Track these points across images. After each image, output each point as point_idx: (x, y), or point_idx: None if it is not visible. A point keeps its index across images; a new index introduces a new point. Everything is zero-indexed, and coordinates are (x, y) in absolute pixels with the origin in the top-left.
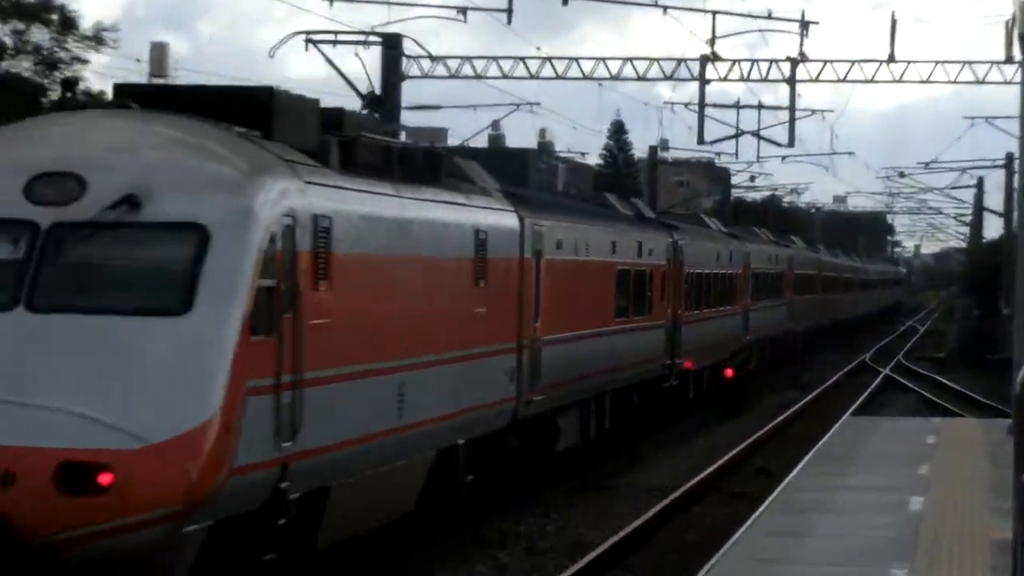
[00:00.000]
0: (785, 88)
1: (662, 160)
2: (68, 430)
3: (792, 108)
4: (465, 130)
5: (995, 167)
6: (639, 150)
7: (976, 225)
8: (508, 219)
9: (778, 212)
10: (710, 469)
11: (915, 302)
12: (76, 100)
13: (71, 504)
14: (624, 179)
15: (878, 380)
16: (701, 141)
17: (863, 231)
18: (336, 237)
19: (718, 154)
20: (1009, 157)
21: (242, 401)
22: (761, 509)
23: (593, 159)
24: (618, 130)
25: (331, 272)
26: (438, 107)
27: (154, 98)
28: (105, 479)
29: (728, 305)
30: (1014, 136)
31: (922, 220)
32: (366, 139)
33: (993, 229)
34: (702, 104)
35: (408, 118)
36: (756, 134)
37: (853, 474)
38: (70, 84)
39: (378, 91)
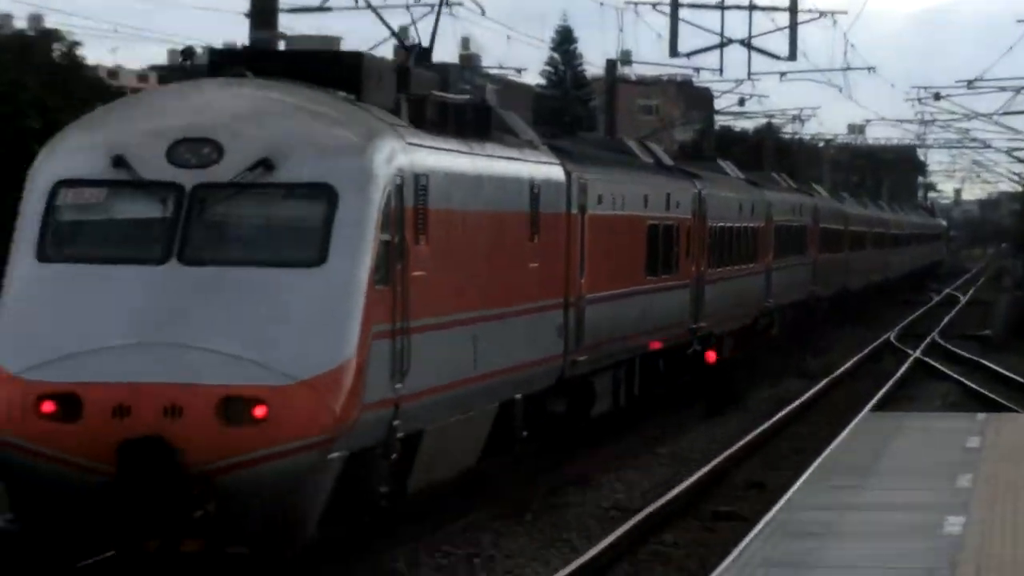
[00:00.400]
0: None
1: (623, 78)
2: (227, 369)
3: (793, 9)
4: (364, 39)
5: None
6: (593, 65)
7: None
8: (556, 172)
9: (776, 146)
10: (687, 482)
11: (954, 263)
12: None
13: (230, 434)
14: (574, 103)
15: (906, 365)
16: (674, 53)
17: (887, 171)
18: (431, 194)
19: (697, 70)
20: None
21: (370, 344)
22: (752, 534)
23: (533, 77)
24: (565, 39)
25: (428, 227)
26: (327, 8)
27: (251, 62)
28: (260, 412)
29: (751, 263)
30: None
31: (963, 156)
32: (434, 97)
33: None
34: (675, 4)
35: (289, 23)
36: (747, 44)
37: (872, 488)
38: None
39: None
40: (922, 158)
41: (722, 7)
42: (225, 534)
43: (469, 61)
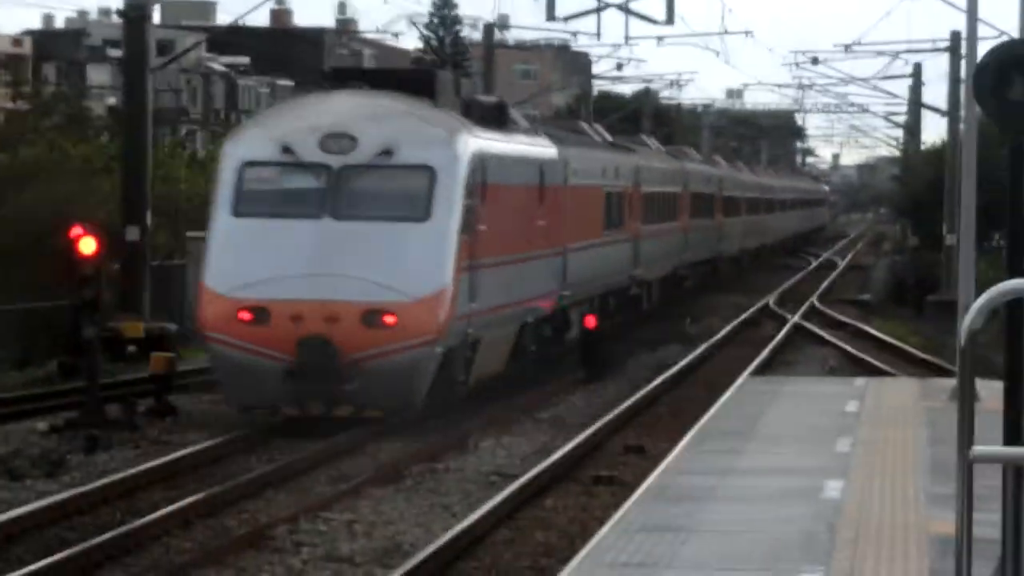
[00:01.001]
0: None
1: (501, 43)
2: (366, 290)
3: None
4: (240, 3)
5: (936, 51)
6: (471, 29)
7: (912, 127)
8: (553, 153)
9: (654, 111)
10: (566, 448)
11: (833, 228)
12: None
13: (369, 334)
14: (453, 68)
15: (785, 330)
16: (552, 17)
17: (766, 136)
18: (488, 172)
19: (574, 34)
20: (954, 37)
21: (459, 275)
22: (632, 499)
23: (411, 41)
24: (443, 3)
25: (486, 196)
26: None
27: (359, 76)
28: (390, 320)
29: (672, 222)
30: (960, 9)
31: (842, 121)
32: (478, 99)
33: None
34: None
35: None
36: (624, 7)
37: (752, 452)
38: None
39: None
40: (800, 123)
41: None
42: (365, 403)
43: (345, 26)
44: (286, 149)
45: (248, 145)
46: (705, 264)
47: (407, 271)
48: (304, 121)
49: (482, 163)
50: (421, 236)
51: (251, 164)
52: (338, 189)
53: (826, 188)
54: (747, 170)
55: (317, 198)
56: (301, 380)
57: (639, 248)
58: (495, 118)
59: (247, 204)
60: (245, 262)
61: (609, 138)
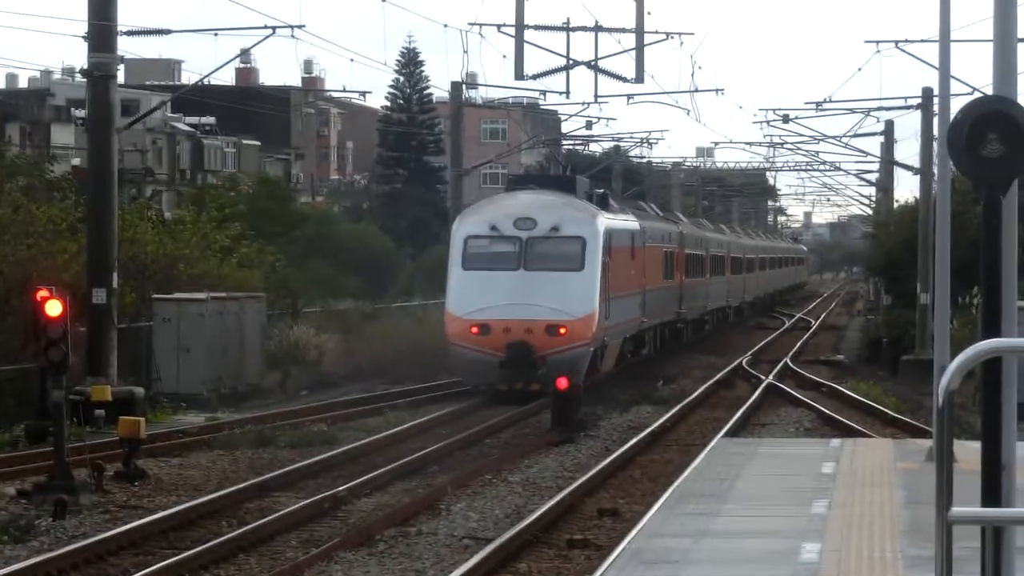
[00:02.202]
0: (630, 3)
1: (469, 102)
2: (549, 313)
3: (640, 30)
4: (205, 62)
5: (908, 108)
6: (439, 88)
7: (884, 185)
8: (635, 225)
9: (625, 170)
10: (540, 510)
11: (807, 287)
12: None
13: (551, 340)
14: (420, 127)
15: (759, 391)
16: (520, 76)
17: (737, 194)
18: (615, 238)
19: (543, 93)
20: (926, 94)
21: (601, 303)
22: (607, 562)
23: (378, 100)
24: (410, 61)
25: (611, 255)
26: (167, 31)
27: (532, 181)
28: (563, 330)
29: (701, 276)
30: (932, 66)
31: (813, 179)
32: (596, 191)
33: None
34: (520, 26)
35: (128, 46)
36: (593, 66)
37: (727, 515)
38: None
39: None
40: (772, 181)
41: (568, 29)
42: (549, 382)
43: (312, 85)
44: (493, 227)
45: (469, 225)
46: (721, 310)
47: (571, 301)
48: (502, 210)
49: (608, 234)
50: (578, 280)
51: (472, 237)
52: (526, 252)
53: (805, 248)
54: (745, 233)
55: (514, 257)
56: (510, 368)
57: (683, 294)
58: (605, 203)
59: (470, 262)
60: (473, 297)
61: (660, 212)
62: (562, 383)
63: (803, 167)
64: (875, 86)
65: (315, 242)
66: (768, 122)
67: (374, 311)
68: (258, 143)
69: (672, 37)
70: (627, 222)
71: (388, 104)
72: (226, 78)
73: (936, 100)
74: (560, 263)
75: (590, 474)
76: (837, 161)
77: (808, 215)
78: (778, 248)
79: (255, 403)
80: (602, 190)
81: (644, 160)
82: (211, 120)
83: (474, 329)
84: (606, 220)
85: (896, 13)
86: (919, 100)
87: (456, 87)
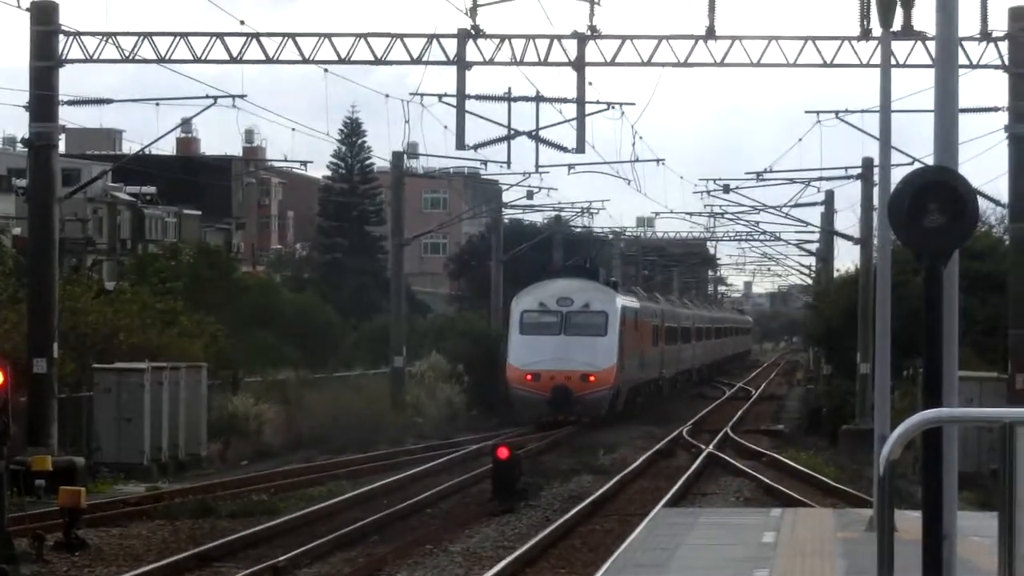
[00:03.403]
0: (571, 74)
1: (410, 172)
2: (581, 365)
3: (581, 101)
4: (146, 131)
5: (848, 178)
6: (380, 158)
7: (825, 255)
8: (636, 303)
9: (565, 239)
10: None
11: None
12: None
13: (583, 384)
14: (361, 197)
15: (700, 460)
16: (461, 146)
17: (677, 263)
18: (626, 313)
19: (484, 163)
20: (867, 164)
21: (619, 359)
22: None
23: (320, 170)
24: (352, 132)
25: (624, 324)
26: (108, 101)
27: (570, 270)
28: (592, 378)
29: (673, 344)
30: (872, 136)
31: (754, 249)
32: (610, 278)
33: (846, 258)
34: (462, 96)
35: (69, 115)
36: (534, 136)
37: None
38: None
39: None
40: (712, 251)
41: (509, 99)
42: (582, 415)
43: (253, 154)
44: (541, 304)
45: (524, 302)
46: (688, 371)
47: (598, 357)
48: (548, 291)
49: (623, 309)
50: (603, 342)
51: (527, 311)
52: (566, 321)
53: (751, 319)
54: (704, 307)
55: (557, 325)
56: (554, 404)
57: (664, 357)
58: (615, 287)
59: (526, 329)
60: (528, 353)
61: (644, 293)
62: (503, 452)
63: (744, 237)
64: (815, 156)
65: (256, 311)
66: (709, 192)
67: (314, 380)
68: (199, 213)
69: (613, 107)
70: (631, 302)
71: (330, 174)
72: (167, 147)
73: (876, 170)
74: (590, 330)
75: (530, 544)
76: (777, 231)
77: (748, 284)
78: (729, 319)
79: (196, 473)
80: (614, 279)
81: (585, 229)
82: (152, 190)
83: (528, 376)
84: (621, 299)
85: (835, 83)
86: (859, 170)
87: (397, 157)
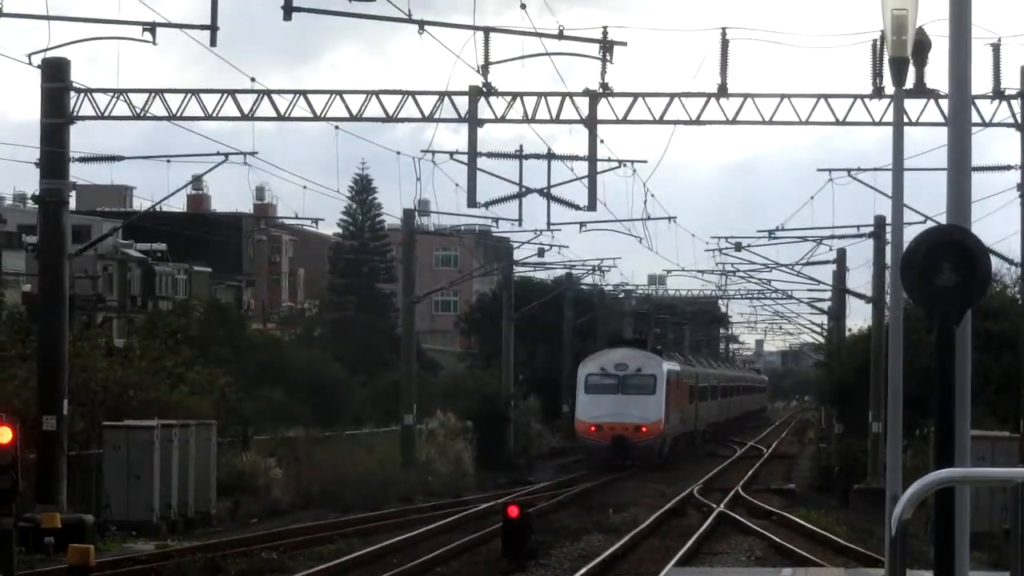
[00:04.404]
0: (583, 131)
1: (421, 229)
2: (636, 419)
3: (593, 158)
4: (157, 188)
5: (860, 236)
6: (391, 215)
7: (836, 313)
8: (677, 367)
9: (576, 297)
10: None
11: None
12: None
13: (638, 434)
14: (371, 254)
15: (711, 519)
16: (473, 203)
17: (688, 321)
18: (670, 375)
19: (495, 220)
20: (879, 223)
21: (666, 413)
22: None
23: (330, 227)
24: (362, 189)
25: (669, 384)
26: (119, 158)
27: (622, 341)
28: (644, 429)
29: (706, 401)
30: (884, 194)
31: (765, 308)
32: (656, 345)
33: (858, 317)
34: (473, 153)
35: (80, 172)
36: (545, 193)
37: None
38: None
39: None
40: (724, 309)
41: (520, 156)
42: (637, 461)
43: (264, 211)
44: (602, 368)
45: (589, 367)
46: (715, 423)
47: (649, 412)
48: (607, 358)
49: (668, 372)
50: (653, 400)
51: (591, 374)
52: (622, 383)
53: (765, 378)
54: (725, 367)
55: (615, 387)
56: (615, 452)
57: (697, 412)
58: (660, 353)
59: (590, 389)
60: (592, 409)
61: (681, 357)
62: (513, 511)
63: (755, 295)
64: (828, 214)
65: (266, 369)
66: (720, 250)
67: (324, 438)
68: (209, 269)
69: (625, 165)
70: (674, 365)
71: (340, 231)
72: (178, 204)
73: (889, 228)
74: (642, 390)
75: None
76: (789, 289)
77: (760, 343)
78: (748, 378)
79: (205, 530)
80: (659, 346)
81: (596, 287)
82: (162, 246)
83: (592, 428)
84: (666, 364)
85: (848, 141)
86: (872, 228)
87: (408, 214)
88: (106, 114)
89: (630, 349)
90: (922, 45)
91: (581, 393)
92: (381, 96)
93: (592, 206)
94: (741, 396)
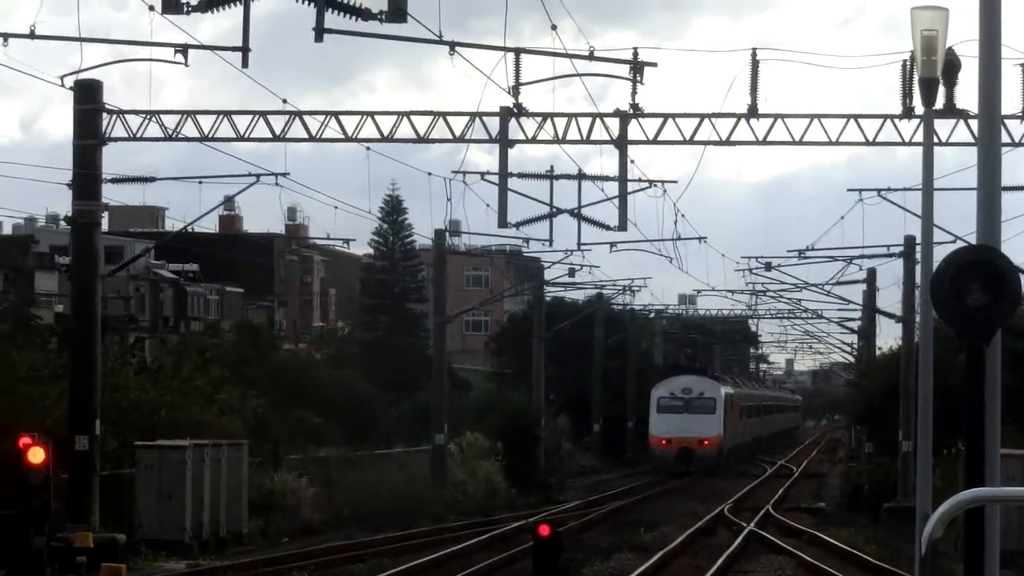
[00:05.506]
0: (613, 152)
1: (452, 249)
2: (700, 434)
3: (623, 179)
4: (189, 208)
5: (890, 256)
6: (422, 235)
7: (867, 333)
8: (731, 390)
9: (607, 317)
10: None
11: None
12: None
13: (701, 447)
14: (402, 275)
15: (741, 538)
16: (503, 224)
17: (718, 341)
18: (730, 398)
19: (526, 240)
20: (909, 242)
21: (725, 429)
22: None
23: (362, 247)
24: (393, 209)
25: (727, 405)
26: (152, 179)
27: (687, 369)
28: (707, 443)
29: (749, 419)
30: (914, 214)
31: (795, 327)
32: (714, 373)
33: (888, 335)
34: (504, 174)
35: (113, 193)
36: (576, 213)
37: None
38: None
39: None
40: (754, 328)
41: (551, 176)
42: (700, 469)
43: (296, 232)
44: (671, 393)
45: (659, 391)
46: (758, 438)
47: (710, 428)
48: (675, 384)
49: (725, 395)
50: (713, 418)
51: (661, 397)
52: (688, 404)
53: (799, 398)
54: (765, 387)
55: (682, 408)
56: (680, 461)
57: (745, 428)
58: (719, 379)
59: (661, 409)
60: (663, 426)
61: (732, 380)
62: (544, 529)
63: (785, 315)
64: (857, 234)
65: (297, 388)
66: (751, 270)
67: (356, 458)
68: (241, 290)
69: (655, 185)
70: (730, 389)
71: (371, 251)
72: (210, 225)
73: (919, 248)
74: (704, 410)
75: None
76: (819, 309)
77: (790, 362)
78: (784, 398)
79: (237, 550)
80: (716, 373)
81: (626, 307)
82: (195, 267)
83: (663, 441)
84: (724, 388)
85: (878, 161)
86: (901, 248)
87: (439, 235)
88: (138, 135)
89: (693, 376)
90: (952, 66)
91: (653, 413)
92: (412, 117)
93: (623, 226)
94: (778, 414)
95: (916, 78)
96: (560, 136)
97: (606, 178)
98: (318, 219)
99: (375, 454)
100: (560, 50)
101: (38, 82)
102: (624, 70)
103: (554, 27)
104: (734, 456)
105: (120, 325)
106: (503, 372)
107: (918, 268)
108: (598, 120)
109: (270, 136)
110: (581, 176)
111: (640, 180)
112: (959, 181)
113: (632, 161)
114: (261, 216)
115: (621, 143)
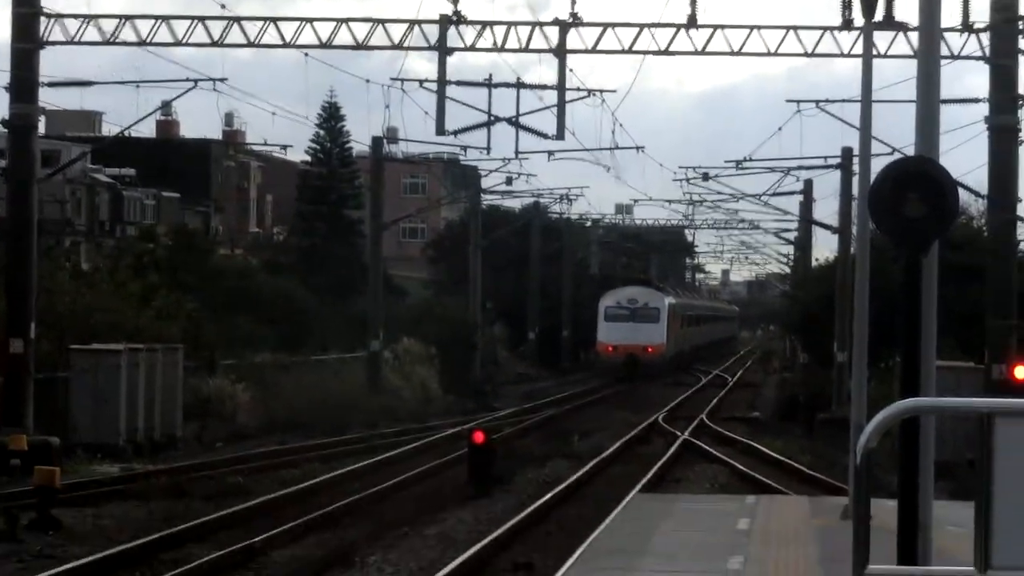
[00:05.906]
0: (552, 61)
1: (390, 156)
2: (645, 341)
3: (561, 88)
4: (126, 114)
5: (827, 167)
6: (359, 143)
7: (803, 244)
8: (674, 300)
9: (544, 226)
10: (453, 564)
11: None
12: None
13: (646, 354)
14: (340, 181)
15: (675, 447)
16: (441, 132)
17: (655, 251)
18: (672, 308)
19: (464, 148)
20: (846, 154)
21: (668, 337)
22: None
23: (299, 154)
24: (331, 116)
25: (670, 315)
26: (89, 83)
27: (632, 280)
28: (651, 349)
29: (695, 327)
30: (852, 126)
31: (732, 237)
32: (655, 279)
33: (824, 247)
34: (442, 82)
35: (50, 97)
36: (514, 122)
37: (643, 570)
38: None
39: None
40: (690, 239)
41: (489, 85)
42: (645, 375)
43: (233, 138)
44: (618, 302)
45: (607, 301)
46: (696, 347)
47: (655, 336)
48: (622, 295)
49: (669, 305)
50: (658, 327)
51: (608, 306)
52: (634, 313)
53: (736, 308)
54: (704, 297)
55: (628, 316)
56: (627, 367)
57: (686, 337)
58: (663, 290)
59: (608, 319)
60: (610, 333)
61: (674, 290)
62: (479, 437)
63: (722, 225)
64: (795, 145)
65: (233, 294)
66: (688, 180)
67: (291, 364)
68: (178, 195)
69: (593, 95)
70: (672, 299)
71: (308, 158)
72: (147, 130)
73: (856, 160)
74: (649, 319)
75: (505, 528)
76: (756, 220)
77: (726, 272)
78: (722, 308)
79: (171, 454)
80: (661, 285)
81: (563, 216)
82: (131, 172)
83: (610, 348)
84: (667, 298)
85: (817, 72)
86: (839, 159)
87: (377, 142)
88: (76, 39)
89: (639, 287)
90: None
91: (601, 321)
92: (351, 24)
93: (560, 135)
94: (716, 324)
95: None
96: (499, 45)
97: (545, 87)
98: (256, 125)
99: (311, 360)
100: None
101: None
102: None
103: None
104: (676, 363)
105: (56, 229)
106: (440, 280)
107: (856, 179)
108: (538, 29)
109: (208, 41)
110: (520, 85)
111: (579, 89)
112: (898, 93)
113: (571, 70)
114: (199, 122)
115: (560, 52)
